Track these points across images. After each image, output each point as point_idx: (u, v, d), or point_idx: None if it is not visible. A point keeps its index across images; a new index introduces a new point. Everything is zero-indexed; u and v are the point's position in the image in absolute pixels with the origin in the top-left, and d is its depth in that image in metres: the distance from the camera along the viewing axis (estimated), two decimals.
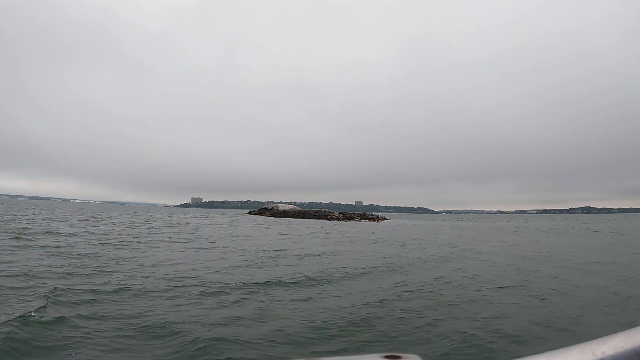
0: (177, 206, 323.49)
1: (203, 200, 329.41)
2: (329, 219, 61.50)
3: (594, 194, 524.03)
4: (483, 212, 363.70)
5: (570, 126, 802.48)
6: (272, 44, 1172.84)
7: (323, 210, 75.06)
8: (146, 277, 8.87)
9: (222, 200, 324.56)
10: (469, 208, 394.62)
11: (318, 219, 63.09)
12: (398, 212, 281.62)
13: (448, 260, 13.79)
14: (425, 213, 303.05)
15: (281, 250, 15.41)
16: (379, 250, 16.86)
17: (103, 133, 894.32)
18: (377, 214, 75.94)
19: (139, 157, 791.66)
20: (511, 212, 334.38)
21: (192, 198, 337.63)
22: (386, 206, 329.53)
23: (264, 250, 15.46)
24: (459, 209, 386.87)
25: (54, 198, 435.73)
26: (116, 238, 17.94)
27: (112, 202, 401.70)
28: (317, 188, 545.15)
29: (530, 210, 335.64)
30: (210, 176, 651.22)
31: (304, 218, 64.80)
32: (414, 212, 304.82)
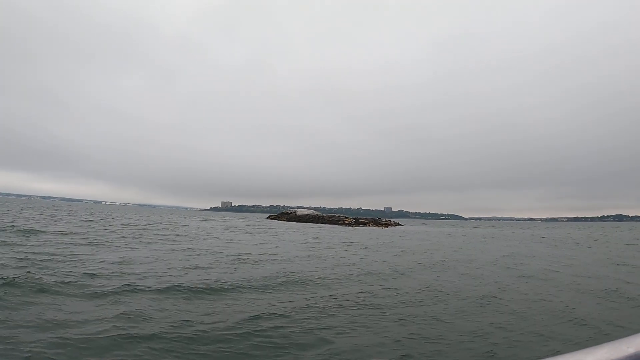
0: (207, 210, 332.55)
1: (233, 204, 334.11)
2: (340, 224, 62.88)
3: (627, 201, 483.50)
4: (513, 219, 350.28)
5: (603, 128, 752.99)
6: (301, 48, 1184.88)
7: (337, 215, 76.50)
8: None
9: (252, 205, 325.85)
10: (499, 215, 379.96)
11: (331, 223, 64.54)
12: (427, 219, 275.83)
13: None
14: (455, 220, 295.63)
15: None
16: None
17: (133, 138, 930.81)
18: (391, 220, 76.59)
19: (169, 161, 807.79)
20: (541, 220, 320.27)
21: (222, 202, 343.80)
22: (415, 212, 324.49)
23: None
24: (489, 216, 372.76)
25: (86, 200, 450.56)
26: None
27: (143, 205, 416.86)
28: (346, 193, 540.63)
29: (561, 218, 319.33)
30: (241, 180, 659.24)
31: (317, 223, 66.31)
32: (443, 219, 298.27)
